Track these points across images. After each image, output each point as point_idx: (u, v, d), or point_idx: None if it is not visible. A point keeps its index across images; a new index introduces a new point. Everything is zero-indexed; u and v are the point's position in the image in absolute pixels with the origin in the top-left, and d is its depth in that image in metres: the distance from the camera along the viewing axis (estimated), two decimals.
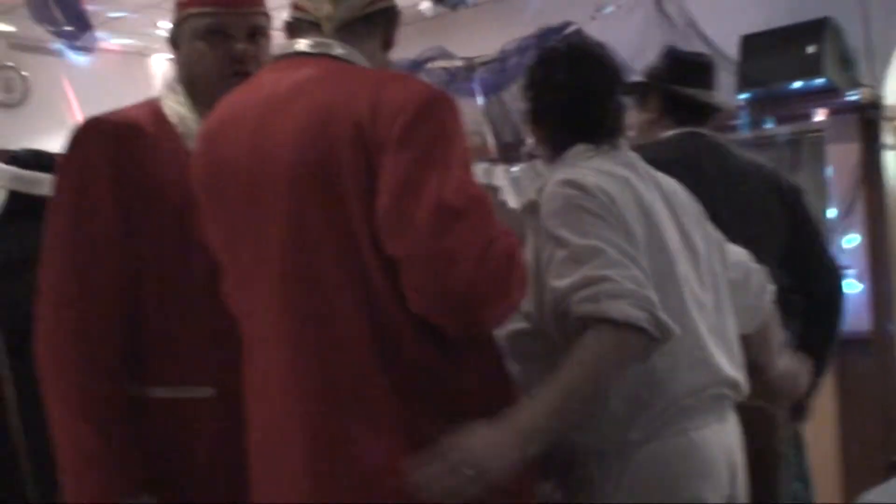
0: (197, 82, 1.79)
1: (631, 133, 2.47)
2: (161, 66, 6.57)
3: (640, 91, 2.70)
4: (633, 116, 2.64)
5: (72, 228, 1.71)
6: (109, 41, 6.00)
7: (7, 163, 3.08)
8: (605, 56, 1.96)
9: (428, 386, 1.44)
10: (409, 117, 1.40)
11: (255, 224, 1.50)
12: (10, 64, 6.06)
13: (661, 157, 2.12)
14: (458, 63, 5.40)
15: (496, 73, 5.34)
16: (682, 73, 2.67)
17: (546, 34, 4.91)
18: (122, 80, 6.46)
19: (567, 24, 4.91)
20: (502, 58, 5.30)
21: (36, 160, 3.06)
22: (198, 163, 1.61)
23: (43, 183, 2.94)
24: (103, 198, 1.70)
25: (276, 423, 1.50)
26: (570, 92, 1.89)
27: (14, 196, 2.99)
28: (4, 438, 2.49)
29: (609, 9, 4.91)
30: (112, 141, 1.73)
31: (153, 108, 1.82)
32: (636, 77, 2.77)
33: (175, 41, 1.83)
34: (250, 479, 1.57)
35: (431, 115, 1.42)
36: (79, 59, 5.41)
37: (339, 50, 1.55)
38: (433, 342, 1.44)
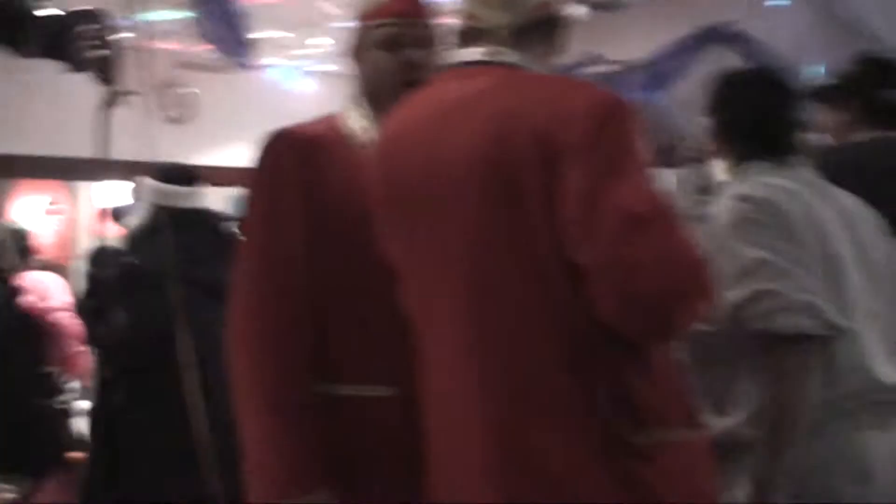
0: (378, 92, 1.85)
1: (823, 135, 2.61)
2: (313, 85, 6.75)
3: (836, 95, 2.76)
4: (828, 119, 2.73)
5: (266, 235, 1.79)
6: (274, 59, 6.21)
7: (154, 177, 3.28)
8: (784, 79, 2.14)
9: (615, 393, 1.43)
10: (592, 124, 1.39)
11: (435, 234, 1.51)
12: (180, 82, 6.35)
13: (858, 160, 2.28)
14: (614, 67, 5.34)
15: (652, 75, 5.26)
16: (879, 76, 2.76)
17: (707, 34, 4.80)
18: (284, 97, 6.71)
19: (728, 23, 4.79)
20: (657, 60, 5.22)
21: (178, 174, 3.27)
22: (376, 174, 1.64)
23: (183, 196, 3.22)
24: (294, 206, 1.77)
25: (458, 429, 1.51)
26: (752, 112, 2.06)
27: (157, 209, 3.19)
28: (188, 436, 2.60)
29: (773, 2, 4.75)
30: (300, 152, 1.81)
31: (332, 123, 1.89)
32: (810, 77, 2.80)
33: (356, 54, 1.89)
34: (428, 480, 1.59)
35: (614, 121, 1.41)
36: (243, 76, 5.63)
37: (513, 57, 1.55)
38: (620, 350, 1.42)
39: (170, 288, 3.07)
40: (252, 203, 1.84)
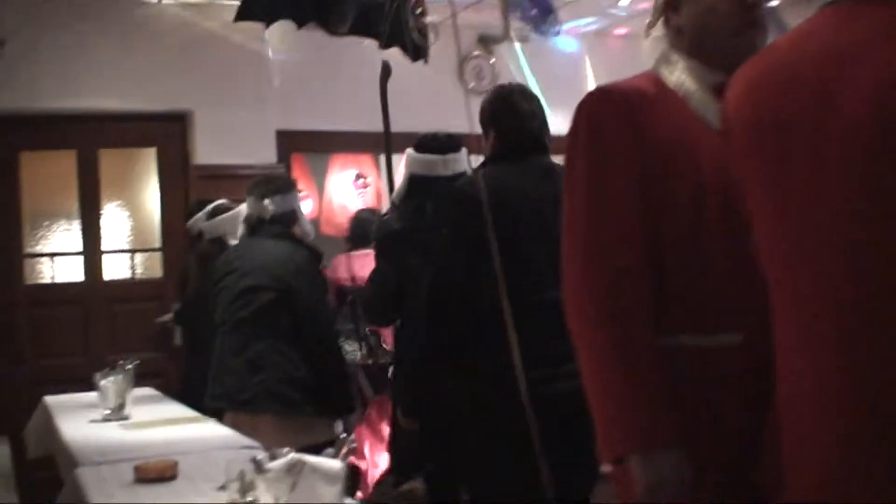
0: (707, 41, 1.80)
1: None
2: (620, 45, 6.57)
3: None
4: None
5: (597, 190, 1.74)
6: (571, 24, 6.10)
7: (419, 147, 3.46)
8: None
9: None
10: None
11: (815, 187, 1.37)
12: (477, 53, 6.38)
13: None
14: None
15: None
16: None
17: None
18: (581, 62, 6.58)
19: None
20: None
21: (430, 142, 3.44)
22: (738, 118, 1.51)
23: (435, 164, 3.39)
24: (624, 157, 1.74)
25: (816, 386, 1.37)
26: None
27: (412, 178, 3.43)
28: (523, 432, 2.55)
29: None
30: (623, 106, 1.77)
31: (652, 78, 1.85)
32: None
33: (675, 4, 1.84)
34: (776, 434, 1.49)
35: None
36: (544, 43, 5.56)
37: None
38: None
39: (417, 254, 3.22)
40: (578, 160, 1.79)
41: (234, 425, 3.30)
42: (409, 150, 3.53)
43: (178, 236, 5.65)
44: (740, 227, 1.58)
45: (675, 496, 1.61)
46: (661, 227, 1.73)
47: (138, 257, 5.85)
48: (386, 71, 4.41)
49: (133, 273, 5.84)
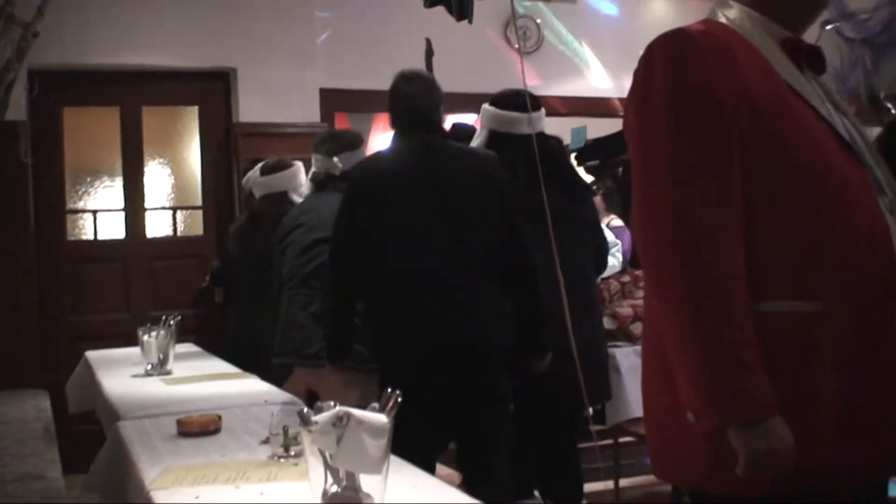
0: None
1: None
2: (663, 8, 6.45)
3: None
4: None
5: (680, 139, 1.59)
6: None
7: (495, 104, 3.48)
8: None
9: None
10: None
11: None
12: (524, 13, 6.29)
13: None
14: None
15: None
16: None
17: None
18: (620, 25, 6.48)
19: None
20: None
21: (513, 99, 3.44)
22: None
23: (520, 122, 3.41)
24: (713, 104, 1.58)
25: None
26: None
27: (493, 135, 3.45)
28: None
29: None
30: (696, 46, 1.63)
31: (716, 25, 1.73)
32: None
33: None
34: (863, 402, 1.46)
35: None
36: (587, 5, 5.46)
37: None
38: None
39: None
40: (655, 111, 1.62)
41: (302, 380, 3.27)
42: (488, 106, 3.49)
43: (219, 194, 5.63)
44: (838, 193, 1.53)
45: (783, 468, 1.50)
46: (750, 188, 1.58)
47: (179, 215, 5.84)
48: (429, 50, 4.36)
49: (175, 231, 5.84)
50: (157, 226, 5.78)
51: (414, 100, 3.14)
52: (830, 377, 1.56)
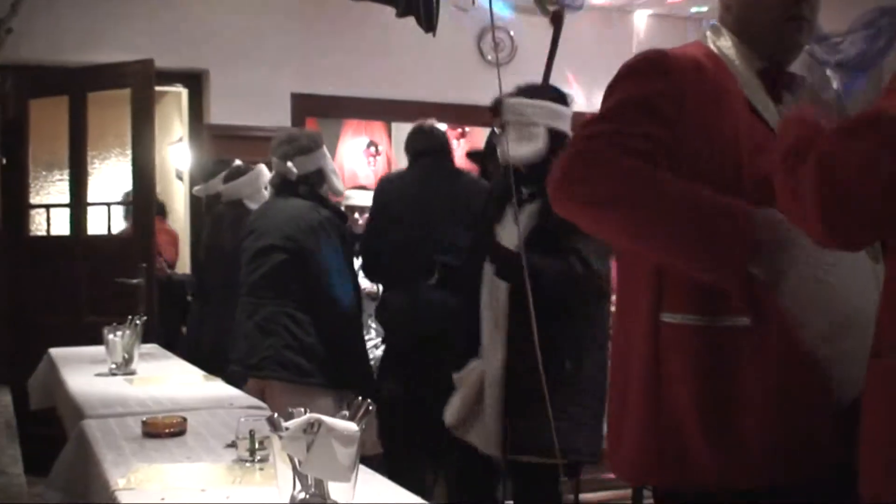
0: (751, 25, 1.80)
1: None
2: (643, 23, 6.51)
3: None
4: None
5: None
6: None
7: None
8: None
9: None
10: None
11: None
12: (499, 24, 6.32)
13: None
14: None
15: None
16: None
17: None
18: (602, 38, 6.52)
19: None
20: None
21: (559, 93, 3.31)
22: None
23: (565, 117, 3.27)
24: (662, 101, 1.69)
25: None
26: None
27: (554, 134, 3.20)
28: None
29: None
30: (669, 65, 1.73)
31: (703, 49, 1.83)
32: None
33: None
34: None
35: None
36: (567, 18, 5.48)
37: None
38: None
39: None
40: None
41: (249, 389, 3.27)
42: (550, 104, 3.25)
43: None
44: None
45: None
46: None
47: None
48: (558, 22, 4.04)
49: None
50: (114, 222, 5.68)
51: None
52: (755, 385, 1.63)
